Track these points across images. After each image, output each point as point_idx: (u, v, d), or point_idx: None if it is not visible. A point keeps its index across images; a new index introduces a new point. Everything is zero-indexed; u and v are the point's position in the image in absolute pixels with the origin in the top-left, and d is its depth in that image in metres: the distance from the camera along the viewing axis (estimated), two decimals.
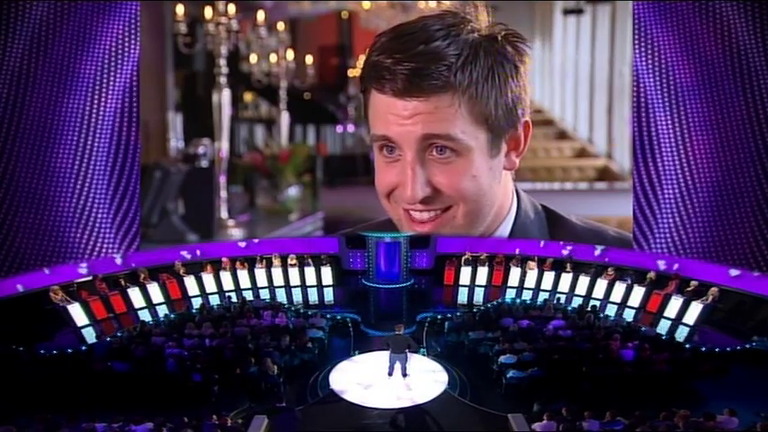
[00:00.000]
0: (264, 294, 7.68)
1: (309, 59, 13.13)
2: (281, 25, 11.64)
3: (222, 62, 8.92)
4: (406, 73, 2.47)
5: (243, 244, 7.94)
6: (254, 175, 11.76)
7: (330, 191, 12.93)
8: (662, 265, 6.27)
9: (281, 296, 7.67)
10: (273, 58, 11.92)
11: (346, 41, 15.98)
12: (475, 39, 2.54)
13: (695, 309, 6.54)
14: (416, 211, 2.69)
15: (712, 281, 6.04)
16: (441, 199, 2.64)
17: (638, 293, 7.05)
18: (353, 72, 14.91)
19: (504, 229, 3.08)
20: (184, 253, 7.45)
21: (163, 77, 10.95)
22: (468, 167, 2.58)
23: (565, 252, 7.28)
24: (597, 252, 6.99)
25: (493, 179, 2.71)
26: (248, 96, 14.33)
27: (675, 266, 6.23)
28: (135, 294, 7.04)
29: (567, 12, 13.71)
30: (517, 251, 7.58)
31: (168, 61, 11.19)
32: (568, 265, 7.54)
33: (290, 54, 12.01)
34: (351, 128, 15.33)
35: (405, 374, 5.58)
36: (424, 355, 6.16)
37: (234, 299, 7.16)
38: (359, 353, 6.17)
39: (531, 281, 7.65)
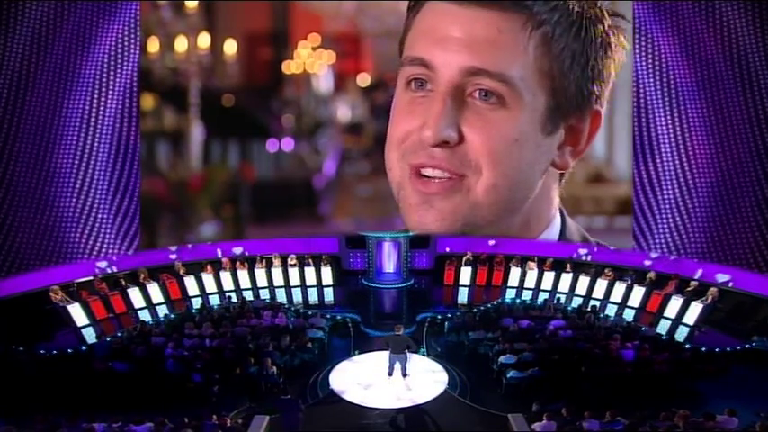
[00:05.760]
0: (264, 294, 7.67)
1: (231, 49, 9.12)
2: (192, 4, 8.07)
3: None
4: None
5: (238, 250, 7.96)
6: (154, 207, 8.27)
7: (259, 228, 9.37)
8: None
9: (281, 296, 7.67)
10: (182, 45, 8.17)
11: (282, 26, 10.71)
12: None
13: (695, 309, 6.54)
14: (428, 167, 2.09)
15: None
16: (461, 157, 2.03)
17: (637, 293, 7.05)
18: (292, 67, 10.12)
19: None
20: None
21: None
22: (513, 125, 1.97)
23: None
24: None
25: (537, 162, 2.10)
26: (147, 101, 9.26)
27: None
28: (135, 294, 7.04)
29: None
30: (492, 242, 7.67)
31: None
32: (568, 265, 7.55)
33: (205, 41, 8.31)
34: (288, 144, 10.25)
35: (405, 374, 5.58)
36: (423, 355, 6.19)
37: (234, 299, 7.16)
38: (359, 353, 6.20)
39: (530, 281, 7.66)
